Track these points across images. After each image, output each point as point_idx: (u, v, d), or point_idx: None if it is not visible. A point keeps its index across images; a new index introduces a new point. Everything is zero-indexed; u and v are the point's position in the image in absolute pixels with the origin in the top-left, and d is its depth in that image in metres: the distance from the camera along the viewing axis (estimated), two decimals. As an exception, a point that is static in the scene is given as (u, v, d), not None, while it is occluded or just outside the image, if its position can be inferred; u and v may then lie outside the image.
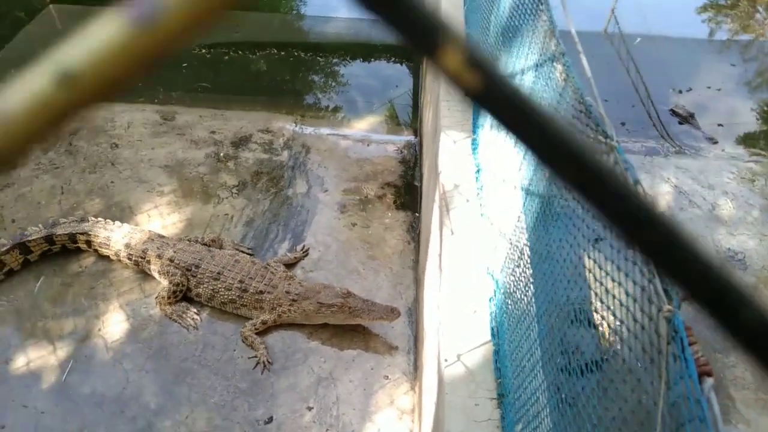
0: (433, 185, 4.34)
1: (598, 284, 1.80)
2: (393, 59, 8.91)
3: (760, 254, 4.80)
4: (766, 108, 7.10)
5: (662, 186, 5.45)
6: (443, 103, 4.27)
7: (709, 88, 7.34)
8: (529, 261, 2.72)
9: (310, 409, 4.23)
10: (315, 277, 5.12)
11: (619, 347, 1.59)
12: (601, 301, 1.74)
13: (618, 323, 1.59)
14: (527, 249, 2.74)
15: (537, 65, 2.55)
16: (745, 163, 5.85)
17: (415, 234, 5.55)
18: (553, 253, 2.33)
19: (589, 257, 1.89)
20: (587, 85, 1.97)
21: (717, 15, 9.54)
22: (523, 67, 2.80)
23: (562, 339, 2.29)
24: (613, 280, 1.67)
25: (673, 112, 6.68)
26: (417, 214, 5.74)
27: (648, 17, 8.45)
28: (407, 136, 6.92)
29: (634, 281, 1.53)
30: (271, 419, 4.15)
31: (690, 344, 1.29)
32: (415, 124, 7.13)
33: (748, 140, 6.41)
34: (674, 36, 8.49)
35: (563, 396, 2.14)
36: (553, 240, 2.34)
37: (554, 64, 2.26)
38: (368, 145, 6.68)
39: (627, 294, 1.57)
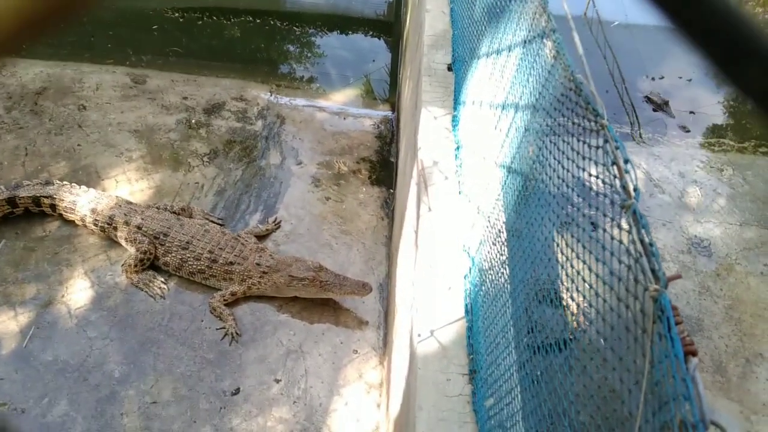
0: (410, 161, 4.30)
1: (580, 263, 1.79)
2: (370, 33, 8.80)
3: (725, 242, 4.91)
4: (732, 101, 7.23)
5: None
6: (425, 78, 4.22)
7: (680, 78, 7.43)
8: (506, 239, 2.71)
9: (278, 381, 4.21)
10: (286, 250, 5.06)
11: (601, 326, 1.60)
12: (584, 280, 1.74)
13: (601, 302, 1.59)
14: (505, 227, 2.73)
15: (525, 41, 2.52)
16: (715, 153, 5.95)
17: (389, 210, 5.53)
18: (533, 232, 2.32)
19: (572, 236, 1.88)
20: (578, 63, 1.95)
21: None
22: (510, 43, 2.76)
23: (539, 317, 2.30)
24: (597, 260, 1.67)
25: (648, 99, 6.74)
26: (392, 191, 5.71)
27: (626, 4, 8.50)
28: (384, 111, 6.85)
29: (619, 260, 1.52)
30: (238, 390, 4.12)
31: (676, 324, 1.29)
32: (392, 98, 7.06)
33: (717, 130, 6.53)
34: (648, 24, 8.56)
35: (538, 374, 2.15)
36: (534, 219, 2.34)
37: (544, 40, 2.23)
38: (345, 118, 6.60)
39: (611, 273, 1.57)
